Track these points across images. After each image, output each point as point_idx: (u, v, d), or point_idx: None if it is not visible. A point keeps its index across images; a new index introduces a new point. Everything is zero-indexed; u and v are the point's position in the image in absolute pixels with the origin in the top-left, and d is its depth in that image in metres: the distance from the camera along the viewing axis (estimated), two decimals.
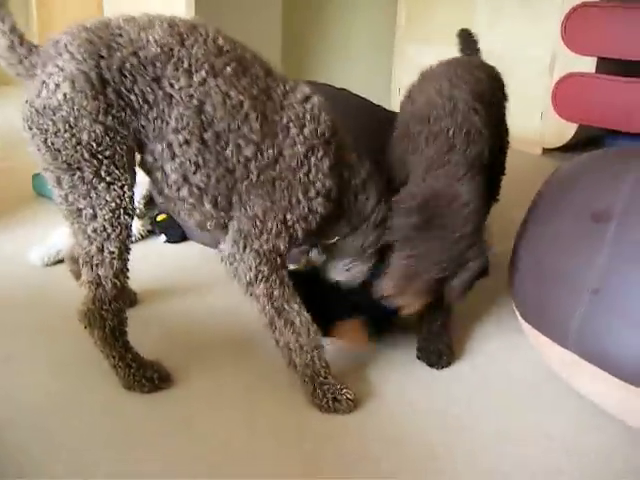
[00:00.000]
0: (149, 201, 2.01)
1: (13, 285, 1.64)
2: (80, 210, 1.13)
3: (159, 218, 1.94)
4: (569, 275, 1.20)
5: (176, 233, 1.95)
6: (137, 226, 1.92)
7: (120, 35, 1.10)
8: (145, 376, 1.22)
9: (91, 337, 1.20)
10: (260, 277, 1.20)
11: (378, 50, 4.07)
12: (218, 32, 1.17)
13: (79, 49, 1.07)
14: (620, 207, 1.16)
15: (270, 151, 1.17)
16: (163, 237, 1.95)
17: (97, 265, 1.16)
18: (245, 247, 1.20)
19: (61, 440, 1.10)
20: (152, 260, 1.83)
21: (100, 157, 1.10)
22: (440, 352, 1.38)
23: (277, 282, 1.22)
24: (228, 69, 1.14)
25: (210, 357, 1.36)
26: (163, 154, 1.15)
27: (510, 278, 1.37)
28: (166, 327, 1.48)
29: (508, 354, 1.45)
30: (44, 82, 1.08)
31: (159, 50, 1.10)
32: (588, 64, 3.08)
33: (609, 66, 3.08)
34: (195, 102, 1.12)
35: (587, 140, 3.27)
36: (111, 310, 1.18)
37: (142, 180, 2.09)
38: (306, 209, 1.22)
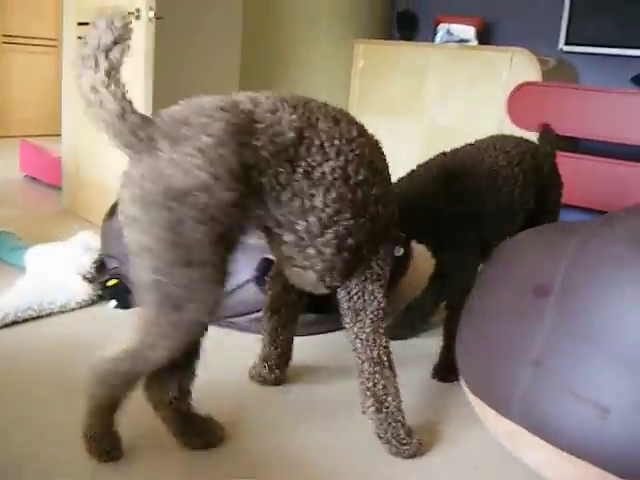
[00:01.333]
0: (100, 266, 1.99)
1: None
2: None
3: (110, 283, 1.93)
4: (512, 348, 1.23)
5: (126, 299, 1.92)
6: (87, 290, 1.91)
7: (256, 121, 1.07)
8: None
9: (86, 392, 1.15)
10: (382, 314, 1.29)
11: None
12: (325, 104, 1.21)
13: (221, 132, 1.02)
14: (559, 281, 1.21)
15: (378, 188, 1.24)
16: (113, 302, 1.92)
17: (150, 347, 1.09)
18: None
19: None
20: (101, 326, 1.80)
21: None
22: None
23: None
24: (354, 131, 1.19)
25: (159, 431, 1.32)
26: (312, 229, 1.15)
27: (457, 352, 1.40)
28: None
29: (454, 428, 1.46)
30: (174, 160, 1.00)
31: (294, 134, 1.10)
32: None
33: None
34: (339, 172, 1.15)
35: None
36: (121, 386, 1.14)
37: (93, 245, 2.08)
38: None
